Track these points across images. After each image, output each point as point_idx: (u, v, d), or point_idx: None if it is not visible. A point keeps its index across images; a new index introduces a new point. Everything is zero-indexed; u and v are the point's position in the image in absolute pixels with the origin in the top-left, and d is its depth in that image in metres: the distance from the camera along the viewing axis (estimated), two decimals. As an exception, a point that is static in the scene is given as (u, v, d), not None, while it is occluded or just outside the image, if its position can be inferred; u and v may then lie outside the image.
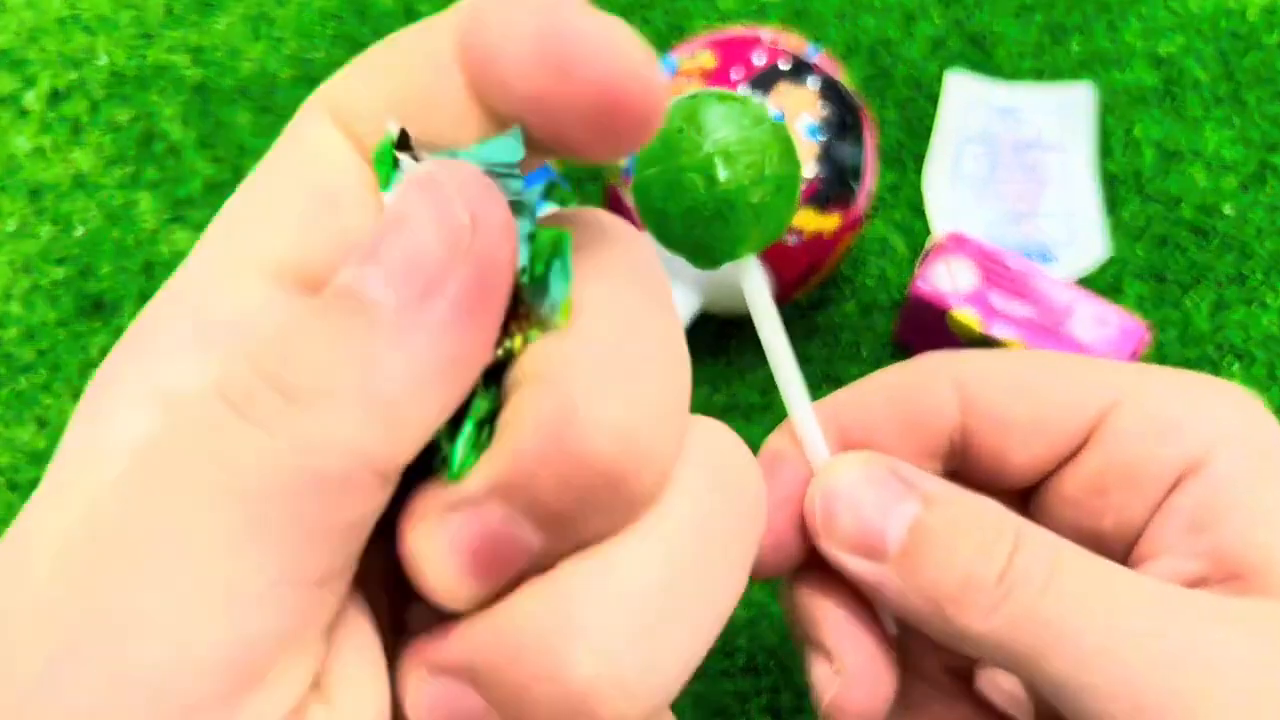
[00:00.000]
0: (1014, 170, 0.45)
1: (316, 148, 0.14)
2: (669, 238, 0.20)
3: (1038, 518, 0.21)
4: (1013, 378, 0.20)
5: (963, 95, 0.47)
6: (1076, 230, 0.43)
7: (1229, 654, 0.17)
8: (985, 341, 0.36)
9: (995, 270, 0.37)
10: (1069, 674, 0.17)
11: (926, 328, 0.38)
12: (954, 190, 0.45)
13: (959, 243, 0.38)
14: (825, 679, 0.20)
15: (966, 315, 0.36)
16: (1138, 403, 0.20)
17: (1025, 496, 0.21)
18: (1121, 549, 0.20)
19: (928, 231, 0.44)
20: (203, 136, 0.46)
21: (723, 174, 0.18)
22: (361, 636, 0.13)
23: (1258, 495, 0.19)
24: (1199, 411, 0.19)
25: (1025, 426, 0.20)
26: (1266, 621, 0.18)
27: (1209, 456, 0.19)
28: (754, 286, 0.21)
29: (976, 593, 0.18)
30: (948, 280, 0.37)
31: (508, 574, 0.13)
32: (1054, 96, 0.47)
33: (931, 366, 0.20)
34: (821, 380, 0.40)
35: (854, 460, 0.20)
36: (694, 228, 0.19)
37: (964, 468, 0.21)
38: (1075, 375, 0.20)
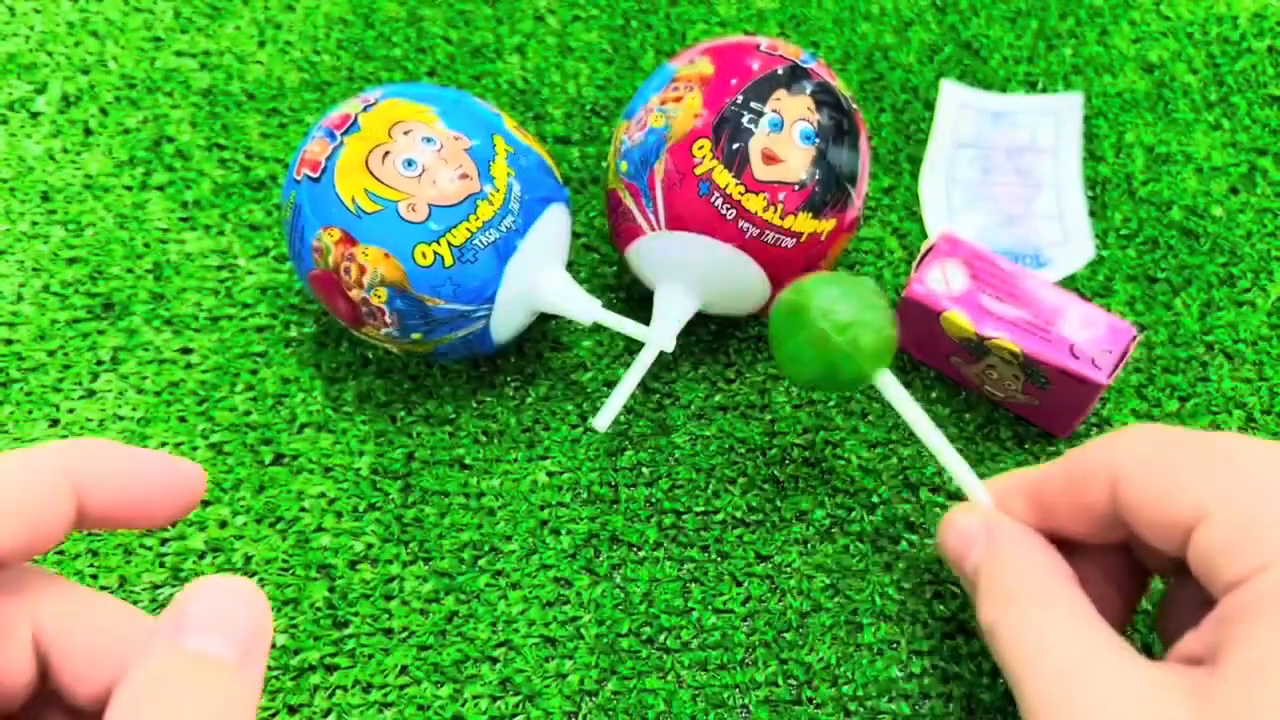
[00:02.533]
0: (1007, 174, 0.46)
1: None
2: (808, 382, 0.33)
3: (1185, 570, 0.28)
4: (1145, 478, 0.27)
5: (957, 101, 0.48)
6: (1069, 232, 0.44)
7: None
8: (979, 340, 0.37)
9: (985, 271, 0.38)
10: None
11: (921, 329, 0.39)
12: (948, 194, 0.46)
13: (952, 244, 0.39)
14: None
15: (958, 316, 0.37)
16: (1225, 513, 0.25)
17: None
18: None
19: (923, 234, 0.44)
20: (211, 140, 0.47)
21: (837, 338, 0.31)
22: None
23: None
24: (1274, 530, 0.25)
25: (1148, 524, 0.27)
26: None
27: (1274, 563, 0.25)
28: (891, 393, 0.33)
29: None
30: (941, 282, 0.38)
31: None
32: (1045, 104, 0.48)
33: (1096, 460, 0.28)
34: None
35: (973, 512, 0.31)
36: (825, 375, 0.32)
37: (1120, 530, 0.29)
38: (1180, 481, 0.26)
